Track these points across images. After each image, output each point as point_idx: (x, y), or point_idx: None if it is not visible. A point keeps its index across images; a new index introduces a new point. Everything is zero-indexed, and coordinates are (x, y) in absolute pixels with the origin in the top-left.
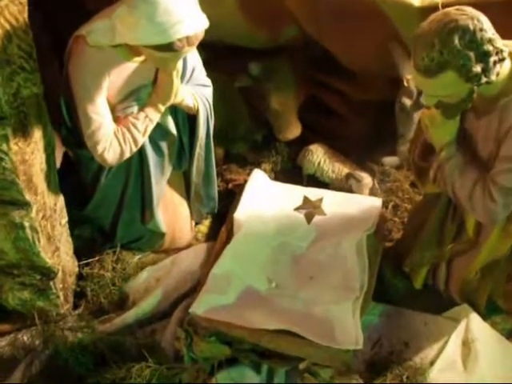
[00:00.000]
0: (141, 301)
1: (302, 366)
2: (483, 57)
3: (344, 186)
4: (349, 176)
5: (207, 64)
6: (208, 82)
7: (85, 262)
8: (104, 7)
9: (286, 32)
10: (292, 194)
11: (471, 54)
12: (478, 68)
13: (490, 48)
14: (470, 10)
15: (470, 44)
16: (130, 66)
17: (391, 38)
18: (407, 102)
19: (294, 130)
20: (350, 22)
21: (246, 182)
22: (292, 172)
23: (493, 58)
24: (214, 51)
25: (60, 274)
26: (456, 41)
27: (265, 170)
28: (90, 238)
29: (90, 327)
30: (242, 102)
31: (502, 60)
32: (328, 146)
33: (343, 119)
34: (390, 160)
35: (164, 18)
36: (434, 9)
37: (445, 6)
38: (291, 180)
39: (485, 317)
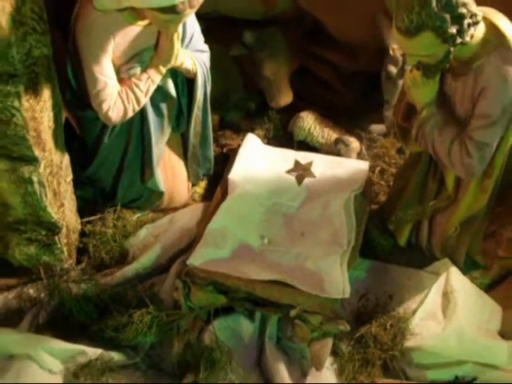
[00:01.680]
0: (140, 256)
1: (292, 313)
2: (458, 19)
3: (333, 150)
4: (337, 141)
5: (203, 34)
6: (206, 47)
7: (87, 219)
8: None
9: (280, 4)
10: (284, 158)
11: (447, 16)
12: (453, 29)
13: (464, 11)
14: None
15: (446, 7)
16: (134, 29)
17: (378, 10)
18: (393, 69)
19: (286, 98)
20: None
21: (239, 146)
22: (284, 138)
23: (467, 21)
24: (209, 21)
25: (64, 230)
26: (433, 4)
27: (258, 136)
28: (92, 198)
29: (92, 280)
30: (236, 71)
31: (475, 23)
32: (318, 114)
33: (333, 88)
34: (377, 128)
35: None
36: None
37: None
38: (283, 145)
39: (464, 271)
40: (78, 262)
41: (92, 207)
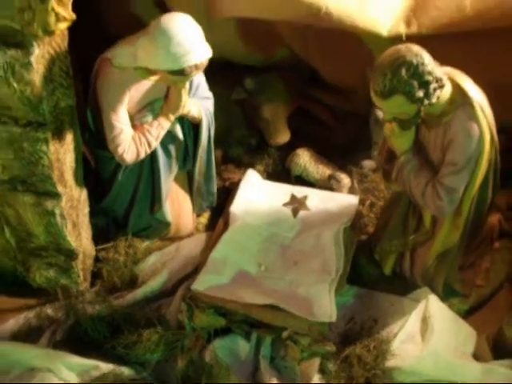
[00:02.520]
0: (149, 280)
1: (285, 334)
2: (424, 85)
3: (326, 185)
4: (330, 177)
5: (207, 77)
6: (210, 94)
7: (101, 247)
8: (125, 33)
9: (279, 53)
10: (281, 192)
11: (415, 83)
12: (420, 93)
13: (430, 78)
14: (415, 47)
15: (414, 75)
16: (147, 83)
17: (368, 61)
18: (380, 114)
19: (284, 137)
20: (334, 48)
21: (241, 180)
22: (282, 173)
23: (433, 86)
24: (212, 66)
25: (81, 256)
26: (403, 72)
27: (258, 171)
28: (105, 227)
29: (105, 301)
30: (238, 110)
31: (441, 86)
32: (313, 151)
33: (327, 127)
34: (368, 163)
35: (177, 49)
36: (399, 38)
37: (408, 36)
38: (281, 180)
39: (444, 299)
40: (92, 284)
41: (105, 235)
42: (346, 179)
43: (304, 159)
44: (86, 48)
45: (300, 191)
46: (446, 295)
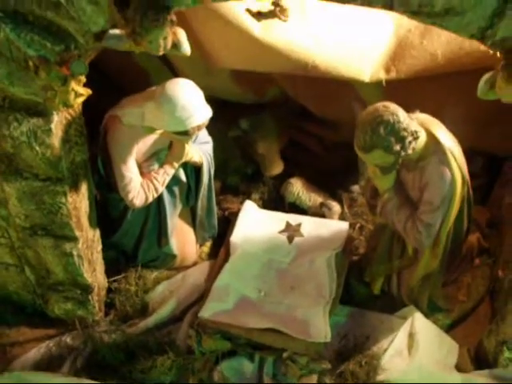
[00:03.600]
0: (159, 308)
1: (285, 355)
2: (401, 140)
3: (318, 212)
4: (322, 205)
5: None
6: (209, 139)
7: (113, 278)
8: (126, 81)
9: (270, 92)
10: (276, 220)
11: (392, 139)
12: (397, 147)
13: (405, 134)
14: (392, 106)
15: (391, 132)
16: (152, 136)
17: (353, 97)
18: None
19: (277, 169)
20: (321, 87)
21: (239, 210)
22: (276, 200)
23: (408, 139)
24: (210, 104)
25: (95, 289)
26: (381, 130)
27: (254, 199)
28: (115, 259)
29: (119, 330)
30: (234, 144)
31: (416, 138)
32: (305, 180)
33: (317, 156)
34: (356, 188)
35: (181, 114)
36: (379, 83)
37: (387, 81)
38: (276, 206)
39: (428, 315)
40: (106, 314)
41: (115, 267)
42: (336, 206)
43: (297, 188)
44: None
45: (294, 219)
46: (431, 311)
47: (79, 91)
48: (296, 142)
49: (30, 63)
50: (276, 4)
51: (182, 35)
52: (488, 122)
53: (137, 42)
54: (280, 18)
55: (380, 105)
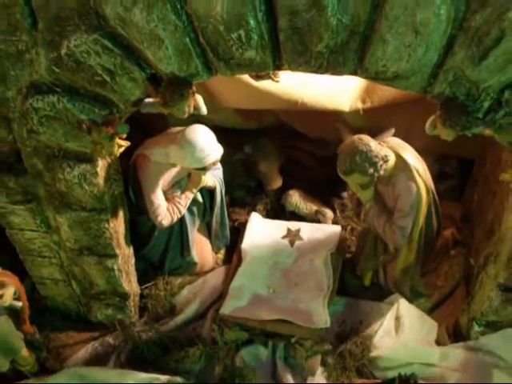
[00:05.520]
0: (185, 308)
1: (293, 340)
2: (373, 164)
3: (314, 218)
4: (317, 212)
5: None
6: (219, 165)
7: (145, 286)
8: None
9: (268, 120)
10: (279, 227)
11: (366, 165)
12: (371, 170)
13: (377, 159)
14: (365, 138)
15: (365, 159)
16: (175, 169)
17: (339, 120)
18: None
19: (277, 183)
20: (311, 114)
21: (246, 221)
22: (278, 209)
23: (379, 164)
24: (219, 133)
25: (131, 296)
26: (357, 158)
27: (259, 210)
28: (145, 270)
29: (154, 329)
30: (239, 163)
31: (386, 161)
32: (302, 191)
33: (311, 169)
34: (346, 194)
35: (200, 154)
36: (357, 111)
37: (364, 109)
38: (278, 215)
39: (411, 300)
40: (141, 316)
41: (146, 276)
42: (329, 213)
43: (295, 198)
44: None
45: (294, 225)
46: (414, 297)
47: (121, 143)
48: (292, 159)
49: (84, 126)
50: None
51: (200, 100)
52: None
53: (166, 108)
54: (273, 80)
55: (356, 137)
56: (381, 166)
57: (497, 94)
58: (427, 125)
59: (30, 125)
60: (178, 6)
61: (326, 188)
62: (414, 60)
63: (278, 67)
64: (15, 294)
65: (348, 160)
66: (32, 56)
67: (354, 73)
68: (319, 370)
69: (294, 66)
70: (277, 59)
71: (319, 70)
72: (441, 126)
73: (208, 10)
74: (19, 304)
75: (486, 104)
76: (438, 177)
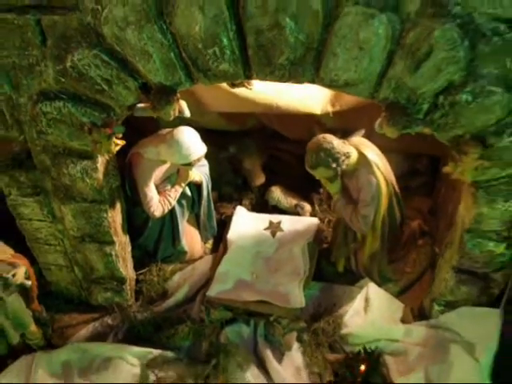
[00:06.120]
0: (176, 292)
1: (272, 318)
2: (336, 160)
3: (294, 211)
4: (296, 206)
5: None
6: (205, 162)
7: (140, 272)
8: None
9: (250, 122)
10: (262, 220)
11: (329, 159)
12: (334, 165)
13: (338, 155)
14: (329, 137)
15: (328, 155)
16: (165, 165)
17: (314, 122)
18: None
19: (261, 179)
20: (289, 117)
21: (232, 214)
22: (262, 204)
23: (341, 159)
24: (205, 135)
25: (128, 281)
26: (322, 154)
27: (244, 204)
28: (140, 258)
29: (148, 310)
30: (226, 162)
31: (348, 157)
32: (283, 187)
33: (291, 167)
34: (323, 190)
35: (186, 152)
36: (327, 114)
37: (335, 112)
38: (262, 209)
39: (380, 284)
40: (136, 299)
41: (141, 263)
42: (307, 206)
43: (277, 194)
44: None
45: (275, 218)
46: (383, 281)
47: (117, 142)
48: (274, 158)
49: (85, 127)
50: None
51: (183, 105)
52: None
53: (155, 112)
54: (247, 87)
55: (321, 136)
56: (343, 161)
57: (433, 99)
58: (376, 124)
59: (40, 126)
60: (164, 27)
61: (304, 184)
62: (361, 70)
63: (248, 77)
64: (26, 273)
65: (314, 156)
66: (41, 68)
67: (312, 81)
68: (295, 346)
69: (262, 76)
70: (247, 70)
71: (282, 79)
72: (386, 126)
73: (188, 30)
74: (29, 283)
75: (425, 107)
76: (409, 174)
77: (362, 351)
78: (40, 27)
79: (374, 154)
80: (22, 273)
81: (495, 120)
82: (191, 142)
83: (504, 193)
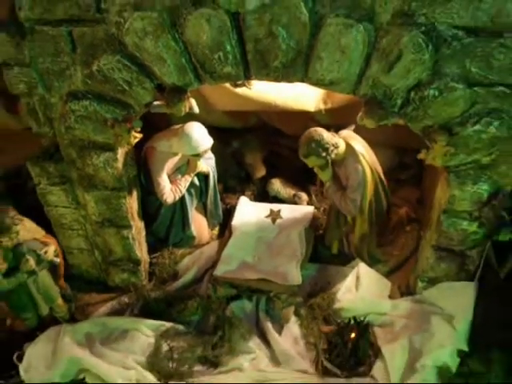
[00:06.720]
0: (185, 274)
1: (272, 294)
2: (325, 149)
3: (292, 201)
4: (294, 196)
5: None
6: (212, 155)
7: (153, 255)
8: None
9: (252, 120)
10: (263, 208)
11: (320, 149)
12: (323, 154)
13: (327, 146)
14: (319, 130)
15: (319, 145)
16: (176, 157)
17: (310, 120)
18: None
19: (261, 172)
20: (287, 114)
21: (236, 203)
22: (263, 195)
23: (330, 149)
24: (212, 131)
25: (142, 263)
26: (313, 145)
27: (247, 195)
28: (153, 243)
29: (160, 289)
30: (230, 157)
31: (336, 147)
32: (282, 179)
33: (290, 160)
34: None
35: (195, 144)
36: (320, 111)
37: (327, 109)
38: (263, 199)
39: (371, 265)
40: (150, 280)
41: (154, 247)
42: (304, 196)
43: (277, 185)
44: None
45: (276, 207)
46: (373, 262)
47: (136, 135)
48: (274, 153)
49: (108, 123)
50: None
51: (193, 103)
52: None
53: (169, 108)
54: (247, 87)
55: (312, 129)
56: (332, 150)
57: (405, 94)
58: (358, 117)
59: (68, 123)
60: (177, 36)
61: (302, 176)
62: (343, 71)
63: (248, 78)
64: (55, 252)
65: (306, 146)
66: (71, 72)
67: (302, 81)
68: (293, 319)
69: (259, 77)
70: (247, 72)
71: (277, 79)
72: (365, 118)
73: (197, 39)
74: (58, 260)
75: (399, 101)
76: (399, 167)
77: (352, 321)
78: (71, 37)
79: (360, 145)
80: (52, 251)
81: (460, 112)
82: (199, 135)
83: (472, 176)
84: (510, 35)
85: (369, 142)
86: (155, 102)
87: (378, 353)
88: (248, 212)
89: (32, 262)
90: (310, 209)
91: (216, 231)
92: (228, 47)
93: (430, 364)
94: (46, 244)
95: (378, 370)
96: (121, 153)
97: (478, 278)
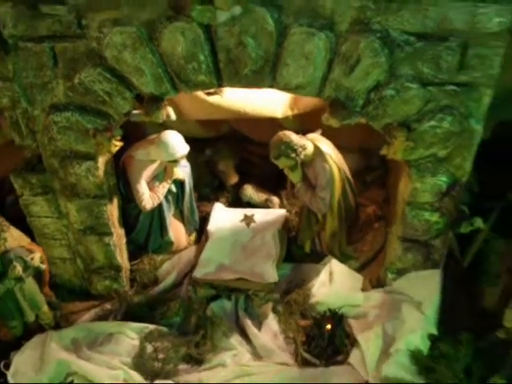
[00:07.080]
0: (165, 279)
1: (250, 292)
2: (294, 151)
3: (264, 205)
4: (266, 200)
5: None
6: (187, 164)
7: (133, 262)
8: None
9: (223, 128)
10: (237, 213)
11: (289, 151)
12: (293, 155)
13: (296, 147)
14: (287, 133)
15: (287, 147)
16: (154, 165)
17: (278, 126)
18: None
19: (234, 179)
20: (255, 122)
21: (211, 210)
22: (237, 201)
23: (299, 150)
24: (186, 142)
25: (124, 269)
26: (282, 147)
27: (222, 201)
28: (133, 250)
29: (142, 294)
30: (203, 165)
31: (305, 149)
32: (254, 185)
33: (260, 167)
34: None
35: (172, 150)
36: (287, 117)
37: (294, 115)
38: (237, 205)
39: (342, 261)
40: (131, 286)
41: (134, 254)
42: (275, 200)
43: (249, 191)
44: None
45: (249, 211)
46: (344, 259)
47: (116, 144)
48: (245, 160)
49: (90, 132)
50: None
51: (170, 110)
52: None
53: (148, 116)
54: (219, 95)
55: (281, 133)
56: (300, 152)
57: (366, 95)
58: (323, 117)
59: (51, 134)
60: (154, 49)
61: (273, 181)
62: (308, 76)
63: (221, 85)
64: (41, 259)
65: (276, 148)
66: (53, 85)
67: (271, 86)
68: (272, 316)
69: (231, 84)
70: (219, 80)
71: (247, 85)
72: (330, 118)
73: (173, 50)
74: (44, 266)
75: (360, 102)
76: (365, 169)
77: (328, 313)
78: (53, 52)
79: (327, 146)
80: (38, 257)
81: (416, 110)
82: (176, 142)
83: (431, 169)
84: (455, 39)
85: (335, 146)
86: (134, 111)
87: (353, 341)
88: (223, 217)
89: (19, 269)
90: (282, 212)
91: (193, 237)
92: (201, 57)
93: (402, 348)
94: (31, 251)
95: (354, 357)
96: (101, 161)
97: (443, 266)
